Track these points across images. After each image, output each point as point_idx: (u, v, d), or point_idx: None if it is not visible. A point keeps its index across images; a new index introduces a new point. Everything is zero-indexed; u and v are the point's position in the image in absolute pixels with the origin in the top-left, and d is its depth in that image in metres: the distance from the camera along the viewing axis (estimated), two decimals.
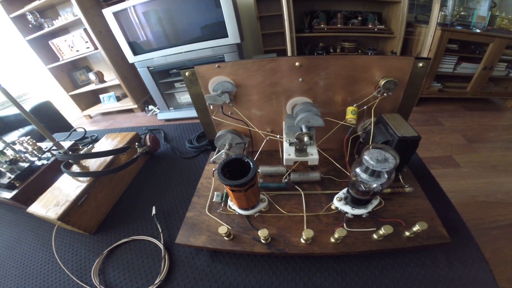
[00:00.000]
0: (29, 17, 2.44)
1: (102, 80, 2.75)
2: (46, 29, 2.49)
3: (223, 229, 0.40)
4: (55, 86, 2.78)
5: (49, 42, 2.58)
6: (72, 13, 2.42)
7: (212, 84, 0.48)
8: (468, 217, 1.21)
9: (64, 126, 2.30)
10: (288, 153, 0.42)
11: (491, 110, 2.06)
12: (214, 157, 0.52)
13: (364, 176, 0.35)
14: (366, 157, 0.34)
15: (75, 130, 1.09)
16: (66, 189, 0.59)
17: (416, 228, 0.38)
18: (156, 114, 2.60)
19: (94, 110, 2.97)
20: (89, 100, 3.04)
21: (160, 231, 0.53)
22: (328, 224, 0.42)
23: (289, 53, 1.90)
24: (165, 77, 2.36)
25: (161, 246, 0.49)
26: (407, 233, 0.39)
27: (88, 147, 0.66)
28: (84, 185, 0.58)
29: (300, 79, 0.46)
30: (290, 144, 0.43)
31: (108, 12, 1.97)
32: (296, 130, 0.43)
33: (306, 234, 0.37)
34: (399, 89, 0.49)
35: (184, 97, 2.42)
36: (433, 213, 0.43)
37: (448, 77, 2.08)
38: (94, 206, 0.60)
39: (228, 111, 0.53)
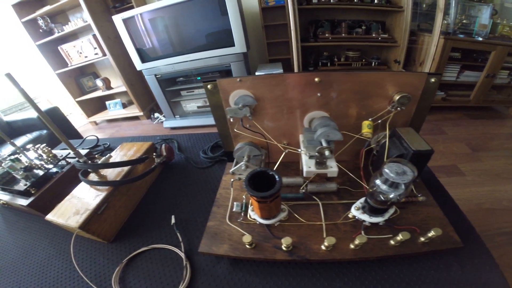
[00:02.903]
0: (40, 22, 2.48)
1: (109, 87, 2.79)
2: (56, 34, 2.53)
3: (247, 238, 0.42)
4: (62, 92, 2.83)
5: (58, 47, 2.62)
6: (81, 18, 2.46)
7: (233, 97, 0.50)
8: (474, 224, 1.22)
9: (71, 132, 2.32)
10: (309, 165, 0.45)
11: (494, 118, 2.08)
12: (233, 168, 0.54)
13: (384, 187, 0.37)
14: (386, 170, 0.36)
15: (81, 138, 1.11)
16: (85, 197, 0.60)
17: (431, 233, 0.40)
18: (162, 122, 2.62)
19: (100, 117, 3.00)
20: (95, 106, 3.07)
21: (181, 240, 0.54)
22: (346, 232, 0.45)
23: (295, 62, 1.93)
24: (171, 85, 2.39)
25: (182, 255, 0.50)
26: (422, 239, 0.41)
27: (106, 156, 0.67)
28: (103, 194, 0.59)
29: (318, 94, 0.49)
30: (310, 157, 0.45)
31: (118, 19, 2.01)
32: (315, 143, 0.46)
33: (329, 241, 0.39)
34: (411, 104, 0.51)
35: (190, 105, 2.45)
36: (445, 220, 0.45)
37: (451, 85, 2.10)
38: (113, 215, 0.61)
39: (246, 124, 0.55)
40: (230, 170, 0.56)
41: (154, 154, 0.69)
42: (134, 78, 2.70)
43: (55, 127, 0.57)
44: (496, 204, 1.28)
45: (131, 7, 2.34)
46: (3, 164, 0.84)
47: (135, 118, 2.89)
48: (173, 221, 0.59)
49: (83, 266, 0.56)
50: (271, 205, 0.40)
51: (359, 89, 0.49)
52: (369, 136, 0.48)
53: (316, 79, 0.46)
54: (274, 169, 0.43)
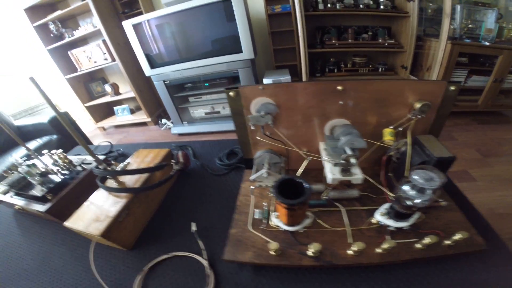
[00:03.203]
0: (51, 26, 2.52)
1: (117, 92, 2.83)
2: (67, 39, 2.57)
3: (274, 246, 0.42)
4: (71, 97, 2.87)
5: (69, 52, 2.66)
6: (91, 24, 2.50)
7: (254, 105, 0.51)
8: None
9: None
10: (333, 173, 0.45)
11: (503, 123, 2.07)
12: (254, 176, 0.54)
13: (411, 193, 0.38)
14: (414, 176, 0.38)
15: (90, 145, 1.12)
16: (104, 204, 0.60)
17: (457, 237, 0.41)
18: (170, 128, 2.64)
19: (108, 122, 3.03)
20: (103, 112, 3.11)
21: (203, 247, 0.54)
22: (371, 237, 0.45)
23: (303, 69, 1.94)
24: (180, 91, 2.42)
25: (205, 263, 0.50)
26: (447, 242, 0.42)
27: (124, 163, 0.68)
28: (123, 201, 0.59)
29: (340, 102, 0.49)
30: (335, 164, 0.46)
31: (128, 24, 2.05)
32: (340, 151, 0.46)
33: (358, 246, 0.40)
34: (431, 111, 0.51)
35: (198, 112, 2.47)
36: (467, 224, 0.46)
37: (459, 90, 2.09)
38: (133, 222, 0.61)
39: (266, 131, 0.55)
40: (251, 177, 0.56)
41: (173, 161, 0.70)
42: (142, 84, 2.73)
43: (77, 133, 0.57)
44: (508, 209, 1.28)
45: (140, 13, 2.37)
46: (19, 169, 0.85)
47: (143, 124, 2.91)
48: (194, 228, 0.58)
49: (103, 274, 0.55)
50: (299, 212, 0.40)
51: (380, 97, 0.50)
52: (391, 144, 0.49)
53: (339, 88, 0.47)
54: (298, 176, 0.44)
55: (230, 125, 2.36)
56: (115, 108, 2.96)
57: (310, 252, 0.42)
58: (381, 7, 2.02)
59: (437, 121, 0.54)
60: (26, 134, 2.31)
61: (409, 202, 0.39)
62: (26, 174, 0.82)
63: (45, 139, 2.15)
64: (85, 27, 2.50)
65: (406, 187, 0.39)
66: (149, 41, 2.14)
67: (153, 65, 2.22)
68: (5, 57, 2.66)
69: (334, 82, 0.47)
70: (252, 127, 0.53)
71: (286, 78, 1.91)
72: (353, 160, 0.43)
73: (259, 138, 0.53)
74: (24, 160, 0.94)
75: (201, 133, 2.46)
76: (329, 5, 2.01)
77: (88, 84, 2.92)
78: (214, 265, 0.51)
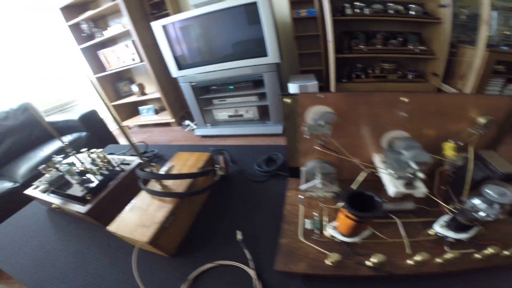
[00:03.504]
0: (84, 26, 2.62)
1: (143, 93, 2.91)
2: (97, 39, 2.66)
3: (335, 257, 0.42)
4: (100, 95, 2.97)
5: (98, 52, 2.76)
6: (121, 24, 2.57)
7: (312, 113, 0.50)
8: None
9: (107, 136, 2.42)
10: (396, 186, 0.45)
11: None
12: (306, 185, 0.54)
13: (482, 206, 0.39)
14: (488, 191, 0.38)
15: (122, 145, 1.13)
16: (148, 209, 0.59)
17: None
18: (193, 129, 2.68)
19: (132, 122, 3.12)
20: (128, 111, 3.20)
21: (250, 258, 0.52)
22: (429, 248, 0.44)
23: (331, 74, 1.93)
24: (205, 93, 2.45)
25: (252, 273, 0.50)
26: (506, 253, 0.42)
27: (169, 165, 0.67)
28: (169, 205, 0.58)
29: (404, 114, 0.48)
30: (399, 178, 0.45)
31: (157, 25, 2.09)
32: (403, 165, 0.45)
33: (423, 256, 0.40)
34: (494, 126, 0.50)
35: (222, 114, 2.49)
36: None
37: None
38: (177, 228, 0.59)
39: (319, 140, 0.55)
40: (301, 187, 0.56)
41: (217, 166, 0.70)
42: (167, 85, 2.80)
43: (130, 136, 0.59)
44: None
45: (167, 14, 2.43)
46: (60, 168, 0.85)
47: (166, 124, 2.98)
48: (239, 237, 0.57)
49: (145, 281, 0.53)
50: (364, 225, 0.40)
51: (441, 110, 0.49)
52: (453, 159, 0.48)
53: (405, 99, 0.47)
54: (355, 188, 0.43)
55: (252, 129, 2.37)
56: (140, 108, 3.05)
57: (369, 262, 0.42)
58: (412, 12, 1.98)
59: (498, 136, 0.52)
60: (57, 130, 2.38)
61: (476, 215, 0.39)
62: (66, 173, 0.83)
63: (74, 135, 2.22)
64: (114, 28, 2.58)
65: (476, 201, 0.39)
66: (177, 43, 2.18)
67: (180, 66, 2.26)
68: (39, 55, 2.79)
69: (398, 93, 0.46)
70: (307, 136, 0.52)
71: (313, 83, 1.90)
72: (420, 174, 0.42)
73: (316, 148, 0.52)
74: (63, 158, 0.95)
75: (224, 136, 2.48)
76: (357, 10, 1.98)
77: (116, 83, 3.02)
78: (261, 275, 0.50)
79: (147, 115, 3.04)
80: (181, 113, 3.01)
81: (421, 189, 0.43)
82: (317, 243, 0.48)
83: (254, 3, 1.83)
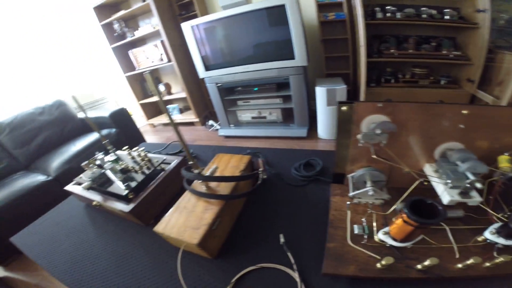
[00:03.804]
0: (116, 25, 2.72)
1: (169, 92, 2.99)
2: (128, 39, 2.75)
3: (389, 260, 0.43)
4: (128, 94, 3.08)
5: (129, 51, 2.85)
6: (150, 24, 2.64)
7: (368, 122, 0.50)
8: None
9: (135, 133, 2.50)
10: (451, 195, 0.45)
11: None
12: (355, 192, 0.54)
13: None
14: None
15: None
16: (195, 210, 0.59)
17: None
18: (217, 129, 2.72)
19: (158, 120, 3.21)
20: (154, 109, 3.30)
21: (293, 261, 0.53)
22: (476, 253, 0.45)
23: (362, 79, 1.90)
24: (229, 94, 2.48)
25: (296, 276, 0.50)
26: None
27: (213, 167, 0.68)
28: (215, 207, 0.59)
29: (461, 126, 0.47)
30: (453, 187, 0.46)
31: (186, 26, 2.14)
32: (459, 175, 0.45)
33: (475, 260, 0.41)
34: None
35: (245, 115, 2.51)
36: None
37: None
38: (221, 230, 0.60)
39: (372, 149, 0.55)
40: (350, 194, 0.56)
41: (260, 169, 0.71)
42: (192, 85, 2.86)
43: (181, 135, 0.58)
44: None
45: (195, 15, 2.48)
46: (104, 165, 0.86)
47: (190, 123, 3.04)
48: (282, 240, 0.58)
49: (188, 283, 0.54)
50: (421, 231, 0.41)
51: (499, 123, 0.48)
52: (508, 171, 0.47)
53: (464, 112, 0.46)
54: (403, 197, 0.43)
55: (275, 131, 2.37)
56: (166, 107, 3.13)
57: (419, 265, 0.43)
58: (447, 17, 1.90)
59: None
60: (88, 126, 2.50)
61: None
62: (110, 170, 0.84)
63: (105, 132, 2.31)
64: (144, 28, 2.66)
65: None
66: (205, 44, 2.22)
67: (207, 67, 2.30)
68: (73, 53, 2.93)
69: (459, 105, 0.46)
70: (361, 144, 0.52)
71: (341, 87, 1.88)
72: (479, 185, 0.43)
73: (365, 155, 0.52)
74: (103, 155, 0.97)
75: (247, 137, 2.50)
76: (388, 14, 1.94)
77: (143, 82, 3.12)
78: (304, 278, 0.50)
79: (172, 114, 3.11)
80: (205, 113, 3.07)
81: (475, 198, 0.44)
82: (366, 247, 0.49)
83: (282, 6, 1.83)
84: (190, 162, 0.59)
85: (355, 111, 0.51)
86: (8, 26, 2.45)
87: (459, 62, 1.95)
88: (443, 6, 1.87)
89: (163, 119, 3.17)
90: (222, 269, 0.56)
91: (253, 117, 2.48)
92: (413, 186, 0.49)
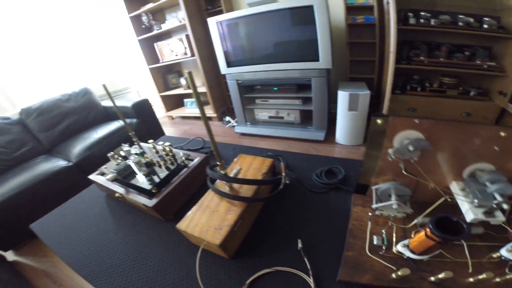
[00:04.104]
0: (144, 18, 2.77)
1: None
2: (155, 31, 2.79)
3: (406, 271, 0.44)
4: (149, 85, 3.15)
5: (154, 44, 2.90)
6: (176, 18, 2.67)
7: (401, 137, 0.49)
8: None
9: (155, 124, 2.55)
10: (475, 213, 0.45)
11: None
12: (379, 204, 0.53)
13: None
14: None
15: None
16: (218, 210, 0.60)
17: None
18: (234, 126, 2.74)
19: (176, 113, 3.27)
20: (174, 102, 3.36)
21: (309, 267, 0.53)
22: (490, 269, 0.44)
23: (388, 85, 1.84)
24: (249, 92, 2.49)
25: (311, 281, 0.51)
26: None
27: (237, 168, 0.68)
28: (237, 209, 0.59)
29: (496, 148, 0.46)
30: (478, 206, 0.45)
31: (212, 22, 2.15)
32: (487, 195, 0.45)
33: (488, 275, 0.41)
34: None
35: (262, 114, 2.51)
36: None
37: None
38: (241, 231, 0.60)
39: (401, 164, 0.53)
40: (373, 206, 0.55)
41: (284, 174, 0.71)
42: (213, 81, 2.88)
43: (212, 136, 0.57)
44: None
45: (221, 11, 2.49)
46: (130, 158, 0.88)
47: (208, 118, 3.05)
48: (300, 245, 0.58)
49: (204, 281, 0.55)
50: (442, 246, 0.42)
51: None
52: None
53: (502, 134, 0.44)
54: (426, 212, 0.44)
55: (291, 132, 2.36)
56: (185, 100, 3.18)
57: (433, 277, 0.44)
58: (485, 26, 1.81)
59: None
60: (110, 115, 2.59)
61: None
62: (135, 164, 0.85)
63: (126, 121, 2.37)
64: (171, 21, 2.69)
65: None
66: (229, 40, 2.22)
67: (229, 64, 2.31)
68: (100, 43, 3.02)
69: (497, 127, 0.45)
70: (391, 158, 0.51)
71: (365, 93, 1.83)
72: (505, 206, 0.43)
73: (406, 174, 0.51)
74: (130, 147, 0.97)
75: (263, 136, 2.50)
76: (422, 20, 1.86)
77: (166, 75, 3.18)
78: (319, 284, 0.50)
79: (190, 108, 3.16)
80: (223, 109, 3.09)
81: (499, 218, 0.44)
82: (383, 258, 0.50)
83: (311, 6, 1.80)
84: (218, 163, 0.59)
85: (389, 125, 0.49)
86: (42, 18, 2.55)
87: (492, 73, 1.85)
88: (482, 14, 1.77)
89: (182, 112, 3.22)
90: (238, 270, 0.57)
91: (270, 117, 2.47)
92: (437, 203, 0.47)
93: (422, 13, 1.82)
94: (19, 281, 1.40)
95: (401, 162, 0.51)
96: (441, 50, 1.87)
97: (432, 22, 1.82)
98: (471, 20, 1.80)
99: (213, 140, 0.57)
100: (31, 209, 1.65)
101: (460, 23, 1.80)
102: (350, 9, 2.18)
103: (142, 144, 1.03)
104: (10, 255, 1.66)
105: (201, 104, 0.51)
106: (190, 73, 0.51)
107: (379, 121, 0.49)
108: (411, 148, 0.47)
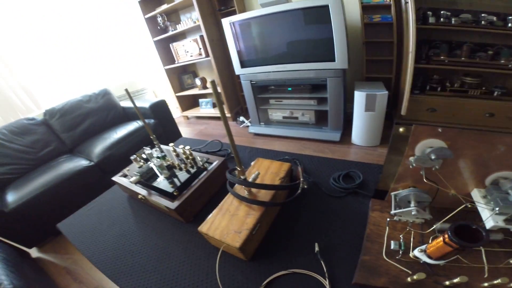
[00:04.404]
0: (159, 19, 2.82)
1: (205, 86, 3.07)
2: (170, 33, 2.84)
3: (422, 275, 0.44)
4: (165, 85, 3.22)
5: (170, 45, 2.95)
6: (191, 19, 2.70)
7: (424, 145, 0.49)
8: None
9: (171, 125, 2.60)
10: (496, 221, 0.45)
11: None
12: (397, 211, 0.53)
13: None
14: None
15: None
16: (238, 214, 0.61)
17: None
18: (247, 126, 2.76)
19: (191, 113, 3.33)
20: (189, 102, 3.42)
21: (325, 270, 0.54)
22: (506, 275, 0.45)
23: (407, 85, 1.80)
24: (263, 92, 2.49)
25: (326, 283, 0.52)
26: None
27: (256, 173, 0.69)
28: (257, 213, 0.61)
29: None
30: (500, 214, 0.45)
31: (226, 22, 2.16)
32: (509, 203, 0.44)
33: (503, 280, 0.42)
34: None
35: (276, 115, 2.51)
36: None
37: None
38: (259, 234, 0.62)
39: (421, 171, 0.53)
40: (392, 212, 0.55)
41: (302, 179, 0.71)
42: (227, 81, 2.91)
43: (234, 146, 0.58)
44: None
45: (234, 11, 2.50)
46: (154, 162, 0.90)
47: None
48: (317, 248, 0.59)
49: (223, 282, 0.56)
50: (459, 251, 0.42)
51: None
52: None
53: None
54: (444, 219, 0.43)
55: (306, 133, 2.35)
56: (200, 100, 3.23)
57: (448, 282, 0.45)
58: (510, 25, 1.73)
59: None
60: (129, 115, 2.65)
61: None
62: (158, 167, 0.88)
63: (141, 123, 2.42)
64: (185, 22, 2.73)
65: None
66: (243, 41, 2.24)
67: (243, 64, 2.32)
68: (118, 44, 3.11)
69: None
70: (412, 166, 0.51)
71: (382, 93, 1.80)
72: None
73: (426, 182, 0.50)
74: (153, 150, 0.99)
75: (276, 136, 2.50)
76: (442, 19, 1.80)
77: (181, 75, 3.24)
78: (334, 287, 0.52)
79: (205, 108, 3.21)
80: (236, 109, 3.11)
81: None
82: (400, 262, 0.51)
83: (326, 6, 1.78)
84: (238, 169, 0.61)
85: (412, 133, 0.49)
86: (63, 23, 2.66)
87: None
88: (506, 12, 1.70)
89: (197, 112, 3.27)
90: (254, 271, 0.58)
91: (284, 117, 2.46)
92: (457, 210, 0.47)
93: (442, 12, 1.77)
94: (42, 277, 1.46)
95: (422, 169, 0.51)
96: (463, 49, 1.80)
97: (453, 21, 1.77)
98: (494, 18, 1.73)
99: (235, 148, 0.59)
100: (54, 207, 1.72)
101: (483, 22, 1.73)
102: (366, 8, 2.14)
103: (162, 146, 1.06)
104: (34, 252, 1.73)
105: (225, 117, 0.53)
106: (213, 82, 0.53)
107: (401, 129, 0.50)
108: (433, 156, 0.46)
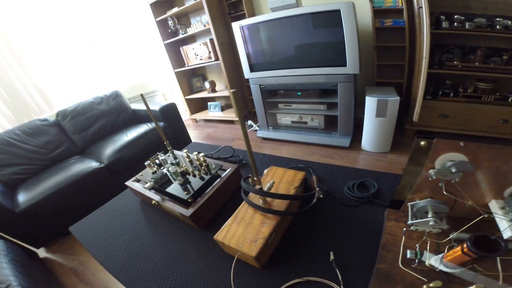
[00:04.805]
0: (170, 22, 2.85)
1: (213, 90, 3.09)
2: (180, 36, 2.87)
3: (438, 283, 0.45)
4: (175, 88, 3.25)
5: (180, 48, 2.98)
6: (201, 22, 2.72)
7: (444, 158, 0.48)
8: None
9: (180, 127, 2.62)
10: None
11: None
12: (415, 221, 0.54)
13: None
14: None
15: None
16: (253, 222, 0.62)
17: None
18: (256, 130, 2.75)
19: (200, 116, 3.35)
20: (198, 105, 3.45)
21: (340, 278, 0.54)
22: None
23: (420, 91, 1.78)
24: (272, 97, 2.49)
25: None
26: None
27: (271, 182, 0.69)
28: (272, 222, 0.61)
29: None
30: None
31: (236, 26, 2.17)
32: None
33: None
34: None
35: (285, 119, 2.50)
36: None
37: None
38: (273, 242, 0.62)
39: (440, 183, 0.53)
40: (409, 222, 0.55)
41: (318, 188, 0.71)
42: (235, 84, 2.92)
43: (253, 159, 0.59)
44: None
45: (243, 15, 2.51)
46: (170, 168, 0.91)
47: (230, 122, 3.12)
48: (332, 257, 0.59)
49: None
50: (476, 261, 0.42)
51: None
52: None
53: None
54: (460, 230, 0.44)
55: (315, 138, 2.33)
56: (209, 103, 3.25)
57: None
58: None
59: None
60: (139, 117, 2.68)
61: None
62: (172, 174, 0.89)
63: (152, 125, 2.44)
64: (195, 25, 2.76)
65: None
66: (252, 45, 2.24)
67: (252, 68, 2.33)
68: (129, 47, 3.15)
69: None
70: (431, 178, 0.50)
71: (394, 99, 1.78)
72: None
73: (446, 194, 0.50)
74: (167, 156, 1.01)
75: (285, 141, 2.49)
76: (455, 23, 1.78)
77: (190, 79, 3.27)
78: None
79: (214, 111, 3.23)
80: (245, 112, 3.12)
81: None
82: (415, 271, 0.51)
83: (337, 11, 1.78)
84: (255, 178, 0.61)
85: (434, 146, 0.49)
86: (77, 25, 2.72)
87: None
88: None
89: (205, 115, 3.30)
90: (269, 279, 0.58)
91: (293, 121, 2.46)
92: (475, 220, 0.46)
93: (456, 16, 1.74)
94: (48, 278, 1.47)
95: (442, 182, 0.50)
96: (476, 54, 1.77)
97: (467, 25, 1.74)
98: (509, 22, 1.70)
99: (253, 159, 0.59)
100: (64, 208, 1.75)
101: (498, 26, 1.70)
102: (378, 13, 2.13)
103: (176, 152, 1.07)
104: (41, 252, 1.74)
105: (245, 130, 0.54)
106: (234, 92, 0.54)
107: (422, 143, 0.49)
108: (454, 170, 0.46)
